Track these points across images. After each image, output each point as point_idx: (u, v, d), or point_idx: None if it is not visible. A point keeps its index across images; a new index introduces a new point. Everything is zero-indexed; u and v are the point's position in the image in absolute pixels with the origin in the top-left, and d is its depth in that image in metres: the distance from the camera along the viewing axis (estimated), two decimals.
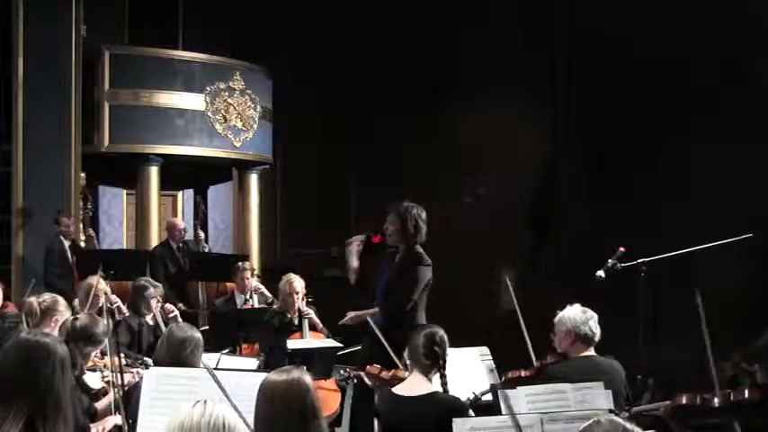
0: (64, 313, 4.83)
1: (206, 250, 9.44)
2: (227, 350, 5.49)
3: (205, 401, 2.25)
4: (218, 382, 2.87)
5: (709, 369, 3.70)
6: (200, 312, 8.40)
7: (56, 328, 4.71)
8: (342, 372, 4.91)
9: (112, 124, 9.46)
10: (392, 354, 4.71)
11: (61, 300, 4.97)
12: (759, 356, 3.43)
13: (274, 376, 2.82)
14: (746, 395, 3.47)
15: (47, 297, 4.94)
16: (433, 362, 3.95)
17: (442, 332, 4.03)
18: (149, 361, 4.97)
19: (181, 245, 8.96)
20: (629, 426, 2.17)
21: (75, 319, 4.42)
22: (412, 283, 5.40)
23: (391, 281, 5.52)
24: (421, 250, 5.51)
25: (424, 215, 5.54)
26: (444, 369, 3.98)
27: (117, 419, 4.14)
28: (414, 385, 3.94)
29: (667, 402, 3.74)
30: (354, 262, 5.70)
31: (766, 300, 6.83)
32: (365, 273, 5.70)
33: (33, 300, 4.91)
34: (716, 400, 3.54)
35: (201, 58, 10.06)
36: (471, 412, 3.92)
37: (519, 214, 9.86)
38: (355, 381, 4.74)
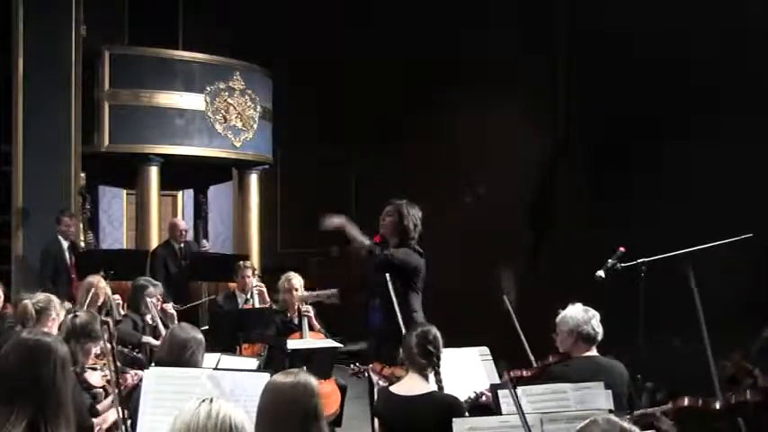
0: (60, 312, 4.85)
1: (207, 250, 9.43)
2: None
3: (211, 400, 2.15)
4: (218, 387, 2.85)
5: (709, 369, 3.70)
6: (201, 307, 8.38)
7: (53, 327, 4.72)
8: (352, 366, 4.91)
9: (112, 124, 9.44)
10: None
11: (55, 299, 4.98)
12: (758, 360, 3.43)
13: (280, 377, 2.81)
14: (748, 397, 3.47)
15: (41, 297, 4.94)
16: (428, 361, 3.99)
17: (435, 331, 4.07)
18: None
19: (182, 245, 8.95)
20: (626, 425, 2.16)
21: (75, 316, 4.43)
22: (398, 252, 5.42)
23: None
24: (414, 244, 5.52)
25: (420, 215, 5.56)
26: (439, 367, 4.00)
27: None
28: (411, 385, 3.96)
29: (669, 405, 3.73)
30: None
31: (766, 300, 6.83)
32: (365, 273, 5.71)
33: (27, 302, 4.91)
34: (717, 402, 3.53)
35: (201, 58, 10.05)
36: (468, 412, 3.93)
37: (519, 214, 9.85)
38: (366, 375, 4.77)
